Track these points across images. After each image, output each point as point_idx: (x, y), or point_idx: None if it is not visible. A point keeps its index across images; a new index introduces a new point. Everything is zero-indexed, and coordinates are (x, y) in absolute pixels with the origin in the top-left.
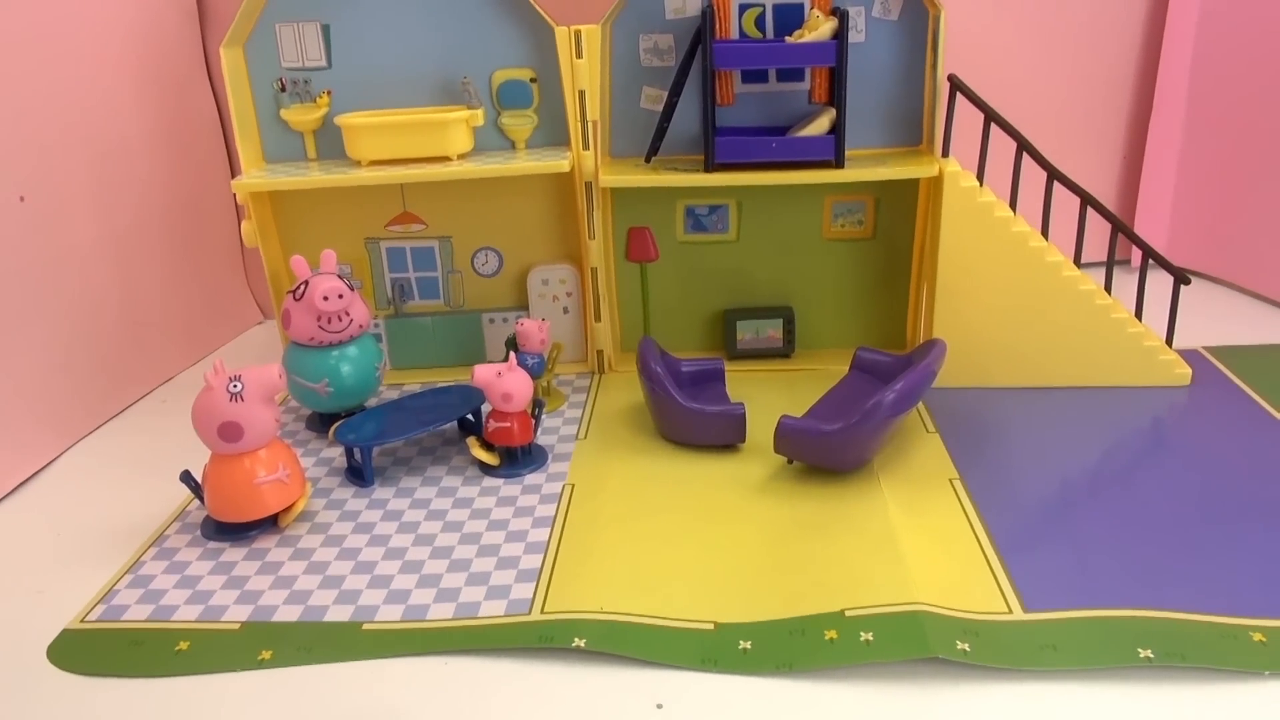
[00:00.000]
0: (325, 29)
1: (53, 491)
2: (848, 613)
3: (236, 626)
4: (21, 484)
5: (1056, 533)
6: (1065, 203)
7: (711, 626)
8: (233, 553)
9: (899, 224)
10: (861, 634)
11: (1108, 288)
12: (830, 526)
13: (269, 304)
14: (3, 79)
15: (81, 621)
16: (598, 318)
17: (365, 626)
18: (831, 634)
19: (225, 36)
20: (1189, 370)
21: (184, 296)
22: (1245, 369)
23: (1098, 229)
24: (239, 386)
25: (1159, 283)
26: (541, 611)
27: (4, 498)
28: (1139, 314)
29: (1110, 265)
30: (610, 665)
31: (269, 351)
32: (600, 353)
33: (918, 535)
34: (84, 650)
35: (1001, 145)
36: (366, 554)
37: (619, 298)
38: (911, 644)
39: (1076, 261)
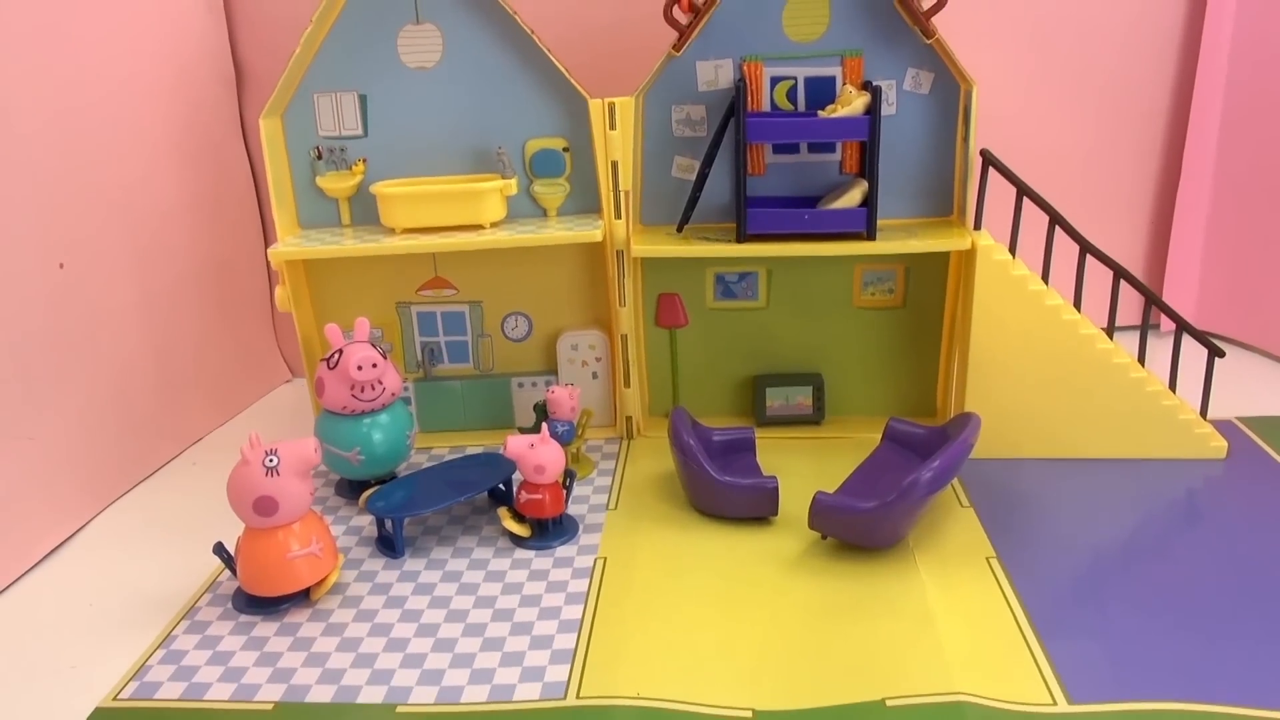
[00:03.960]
0: (362, 99)
1: (87, 556)
2: (889, 702)
3: (270, 707)
4: (59, 546)
5: (1096, 615)
6: (1096, 270)
7: (750, 714)
8: (265, 627)
9: (930, 293)
10: None
11: (1141, 360)
12: (867, 607)
13: (297, 363)
14: (45, 148)
15: (114, 699)
16: (627, 383)
17: (399, 709)
18: None
19: (265, 107)
20: (1225, 443)
21: (216, 357)
22: None
23: (1130, 296)
24: (275, 461)
25: (1192, 352)
26: (577, 696)
27: (42, 560)
28: (1173, 386)
29: (1144, 338)
30: None
31: (298, 410)
32: (629, 418)
33: (956, 617)
34: None
35: (1033, 216)
36: (399, 630)
37: (648, 363)
38: None
39: (1109, 332)
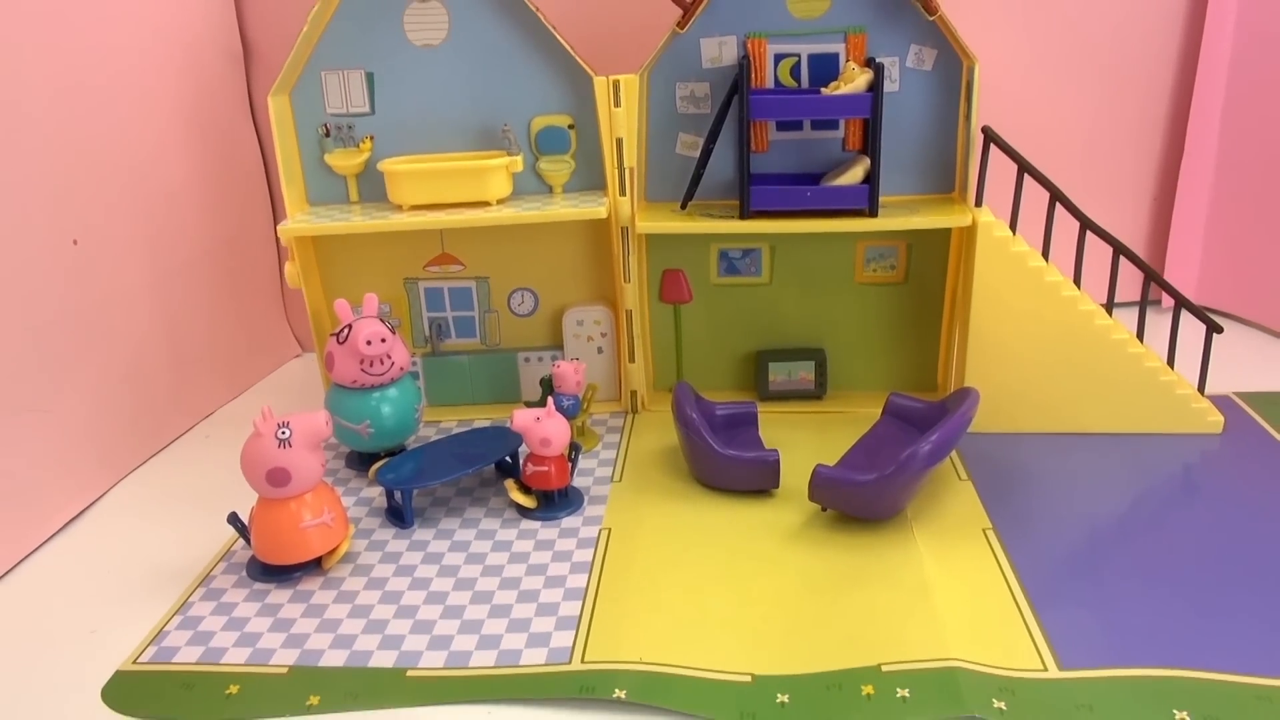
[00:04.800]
0: (369, 76)
1: (104, 526)
2: (884, 668)
3: (284, 670)
4: (76, 516)
5: (1090, 586)
6: (1097, 246)
7: (749, 679)
8: (278, 594)
9: (931, 269)
10: (898, 690)
11: (1140, 335)
12: (865, 577)
13: (307, 338)
14: (56, 127)
15: (134, 663)
16: (632, 358)
17: (409, 673)
18: (868, 689)
19: (274, 85)
20: (1221, 418)
21: (226, 332)
22: (1277, 416)
23: (1130, 272)
24: (287, 433)
25: (1191, 327)
26: (582, 660)
27: (61, 530)
28: (1171, 362)
29: (1142, 314)
30: (650, 716)
31: (308, 384)
32: (634, 393)
33: (952, 587)
34: (137, 692)
35: (1034, 192)
36: (408, 598)
37: (652, 339)
38: (948, 701)
39: (1109, 308)
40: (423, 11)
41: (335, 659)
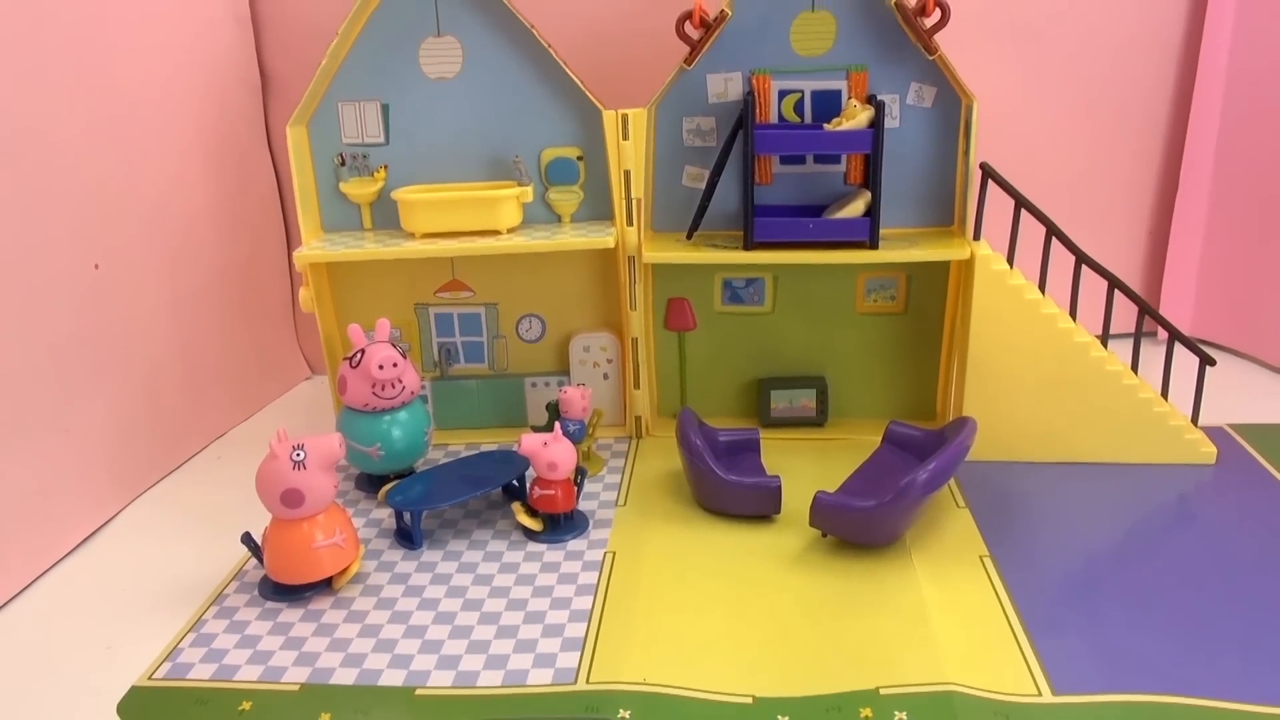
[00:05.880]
0: (385, 108)
1: (119, 543)
2: (882, 691)
3: (296, 688)
4: (92, 534)
5: (1084, 612)
6: (1092, 279)
7: (750, 700)
8: (289, 613)
9: (930, 300)
10: (896, 713)
11: (1135, 367)
12: (864, 601)
13: (317, 360)
14: (81, 155)
15: (149, 679)
16: (637, 384)
17: (418, 692)
18: (866, 712)
19: (292, 115)
20: (1214, 449)
21: (239, 355)
22: (1271, 449)
23: (1125, 304)
24: (301, 455)
25: (1185, 360)
26: (587, 681)
27: (78, 547)
28: (1165, 393)
29: (1137, 346)
30: None
31: (318, 407)
32: (638, 418)
33: (949, 612)
34: (153, 708)
35: (1031, 227)
36: (417, 618)
37: (657, 365)
38: None
39: (1104, 340)
40: (438, 45)
41: (345, 677)
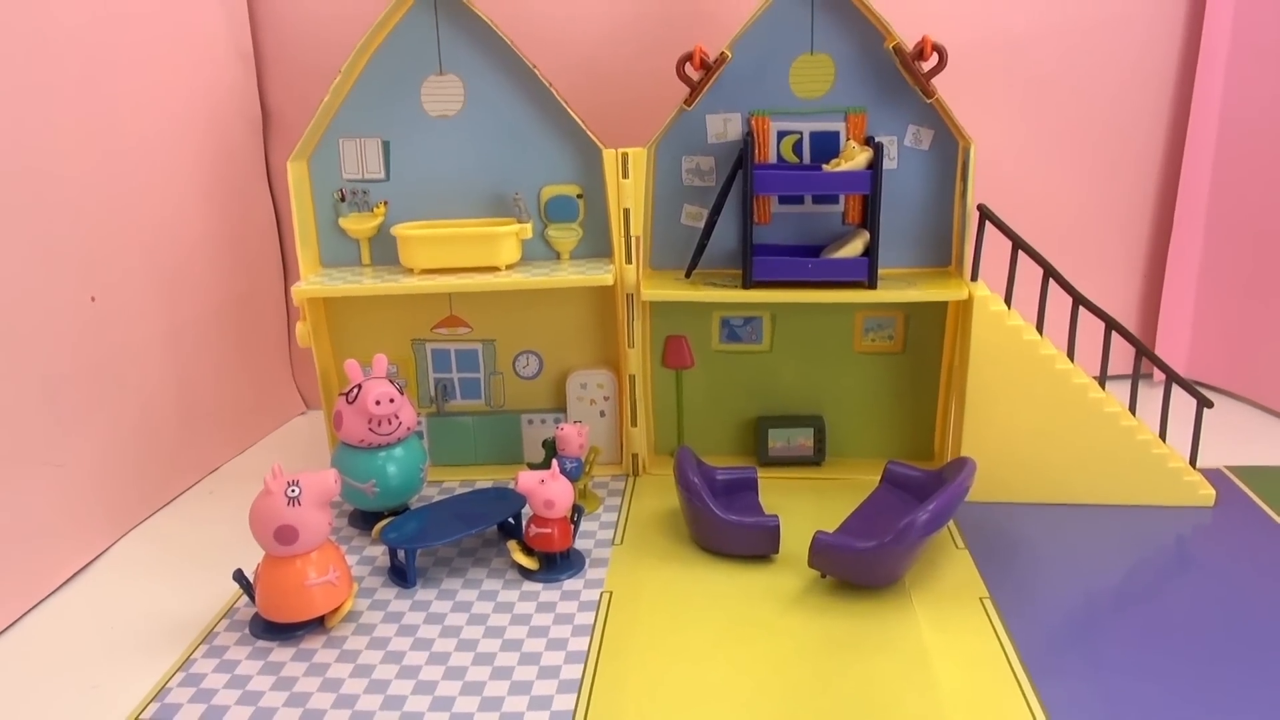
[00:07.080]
0: (385, 145)
1: (107, 580)
2: None
3: None
4: (81, 569)
5: (1085, 656)
6: (1090, 320)
7: None
8: (281, 652)
9: (928, 339)
10: None
11: (1132, 409)
12: (864, 645)
13: (311, 395)
14: (82, 189)
15: None
16: (634, 422)
17: None
18: None
19: (293, 151)
20: (1213, 491)
21: (234, 389)
22: (1268, 491)
23: (1122, 346)
24: (297, 491)
25: (1182, 401)
26: None
27: (66, 582)
28: (1163, 435)
29: (1134, 387)
30: None
31: (312, 442)
32: (635, 456)
33: (950, 657)
34: None
35: (1028, 268)
36: (411, 658)
37: (654, 403)
38: None
39: (1101, 381)
40: (440, 84)
41: (338, 719)
